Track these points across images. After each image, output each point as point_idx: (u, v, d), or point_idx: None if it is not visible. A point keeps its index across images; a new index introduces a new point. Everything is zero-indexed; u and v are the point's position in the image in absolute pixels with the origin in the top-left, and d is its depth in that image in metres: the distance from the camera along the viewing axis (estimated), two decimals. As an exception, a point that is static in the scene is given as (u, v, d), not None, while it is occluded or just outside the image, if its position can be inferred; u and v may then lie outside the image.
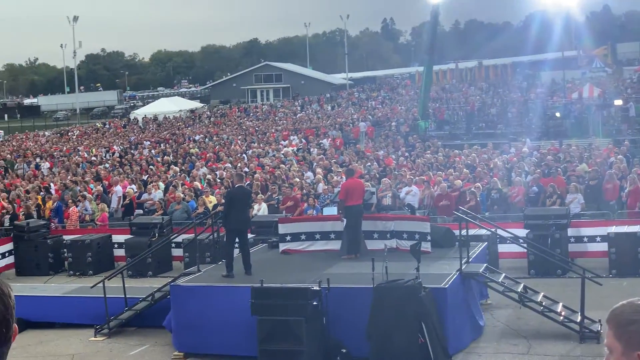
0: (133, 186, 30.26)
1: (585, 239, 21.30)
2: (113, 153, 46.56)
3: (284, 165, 33.14)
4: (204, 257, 19.72)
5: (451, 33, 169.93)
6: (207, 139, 51.49)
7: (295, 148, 42.51)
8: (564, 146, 36.07)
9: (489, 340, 15.49)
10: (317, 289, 14.30)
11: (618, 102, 48.53)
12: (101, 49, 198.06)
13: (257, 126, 60.52)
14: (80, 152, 47.90)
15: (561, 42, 73.85)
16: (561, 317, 15.37)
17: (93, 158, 44.14)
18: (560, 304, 15.79)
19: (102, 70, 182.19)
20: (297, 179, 28.45)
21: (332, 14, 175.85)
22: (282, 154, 39.02)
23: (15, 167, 42.21)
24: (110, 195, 29.74)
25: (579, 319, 15.13)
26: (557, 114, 47.16)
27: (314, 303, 14.03)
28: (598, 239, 21.00)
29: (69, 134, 67.14)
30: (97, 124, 79.48)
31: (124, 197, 28.88)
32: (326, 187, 26.66)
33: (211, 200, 26.05)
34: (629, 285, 18.76)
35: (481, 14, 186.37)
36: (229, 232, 17.04)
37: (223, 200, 22.32)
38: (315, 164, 33.95)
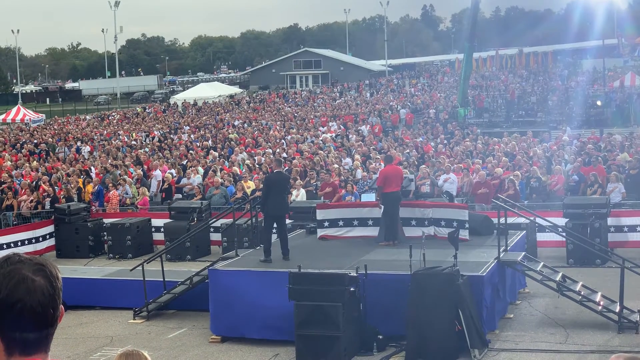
0: (172, 171, 30.46)
1: (626, 229, 21.12)
2: (153, 137, 46.86)
3: (322, 152, 33.15)
4: (242, 241, 19.87)
5: (492, 20, 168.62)
6: (246, 125, 51.66)
7: (333, 134, 42.50)
8: (605, 135, 35.70)
9: (526, 329, 15.45)
10: (355, 275, 14.35)
11: (661, 90, 47.93)
12: (142, 34, 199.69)
13: (296, 112, 60.57)
14: (120, 136, 48.29)
15: (603, 30, 72.91)
16: (600, 307, 15.27)
17: (133, 142, 44.47)
18: (599, 294, 15.69)
19: (143, 55, 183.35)
20: (336, 165, 28.46)
21: (372, 1, 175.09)
22: (321, 140, 39.04)
23: (57, 150, 42.67)
24: (149, 179, 30.00)
25: (617, 308, 15.03)
26: (598, 103, 46.70)
27: (351, 289, 14.07)
28: (639, 228, 20.82)
29: (110, 118, 67.69)
30: (137, 108, 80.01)
31: (163, 181, 29.10)
32: (365, 173, 26.65)
33: (249, 185, 26.15)
34: (669, 276, 18.55)
35: (522, 1, 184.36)
36: (267, 217, 17.12)
37: (261, 186, 22.44)
38: (353, 150, 33.94)
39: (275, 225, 17.09)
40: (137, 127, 56.02)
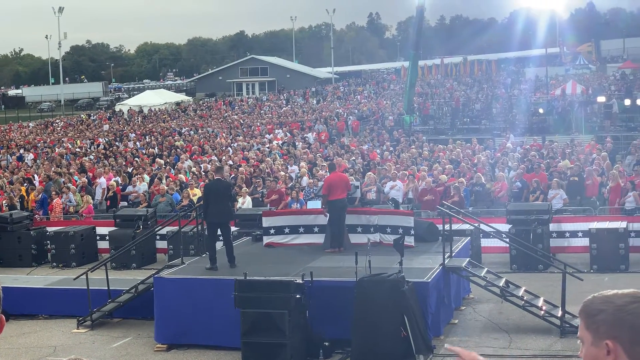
0: (117, 178, 30.22)
1: (567, 234, 21.49)
2: (98, 145, 46.41)
3: (269, 159, 33.16)
4: (188, 249, 19.78)
5: (437, 28, 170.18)
6: (192, 132, 51.42)
7: (280, 142, 42.52)
8: (547, 142, 36.25)
9: (471, 334, 15.61)
10: (301, 282, 14.37)
11: (601, 98, 48.75)
12: (86, 40, 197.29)
13: (243, 119, 60.46)
14: (64, 144, 47.74)
15: (545, 39, 74.11)
16: (542, 312, 15.49)
17: (77, 150, 43.99)
18: (542, 299, 15.92)
19: (88, 61, 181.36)
20: (282, 173, 28.49)
21: (319, 8, 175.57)
22: (267, 147, 39.04)
23: (-1, 158, 42.05)
24: (94, 187, 29.72)
25: (559, 313, 15.26)
26: (540, 110, 47.37)
27: (297, 296, 14.09)
28: (580, 234, 21.20)
29: (54, 125, 66.88)
30: (81, 115, 79.18)
31: (108, 189, 28.84)
32: (311, 180, 26.72)
33: (195, 193, 26.04)
34: (610, 281, 18.90)
35: (466, 10, 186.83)
36: (209, 225, 17.09)
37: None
38: (300, 157, 33.99)
39: (220, 232, 17.06)
40: (81, 134, 55.43)
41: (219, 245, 17.41)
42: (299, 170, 29.94)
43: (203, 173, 30.21)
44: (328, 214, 18.00)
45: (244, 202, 24.66)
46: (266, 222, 19.01)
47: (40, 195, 27.99)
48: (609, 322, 2.81)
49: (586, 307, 2.90)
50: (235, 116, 64.98)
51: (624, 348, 2.79)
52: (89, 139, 50.68)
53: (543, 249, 20.00)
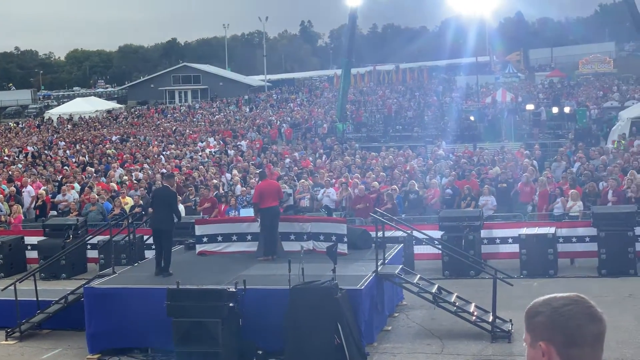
0: (46, 187, 29.70)
1: (498, 241, 21.77)
2: (26, 153, 45.61)
3: (202, 167, 32.98)
4: (120, 258, 19.51)
5: (369, 36, 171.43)
6: (124, 140, 50.88)
7: (212, 150, 42.32)
8: (478, 149, 36.74)
9: (404, 341, 15.70)
10: (233, 290, 14.30)
11: (530, 106, 49.63)
12: (15, 47, 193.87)
13: (175, 127, 60.05)
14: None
15: (476, 47, 75.20)
16: (474, 317, 15.67)
17: (5, 158, 43.15)
18: (473, 304, 16.10)
19: (16, 68, 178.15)
20: (215, 181, 28.35)
21: (251, 16, 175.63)
22: (200, 155, 38.84)
23: None
24: (22, 196, 29.15)
25: (490, 318, 15.45)
26: (472, 118, 48.02)
27: (230, 305, 14.02)
28: (510, 240, 21.50)
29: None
30: (10, 123, 77.75)
31: (37, 198, 28.33)
32: (244, 188, 26.62)
33: (127, 201, 25.76)
34: (539, 286, 19.22)
35: (398, 18, 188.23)
36: (152, 231, 17.04)
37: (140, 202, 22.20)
38: (232, 165, 33.86)
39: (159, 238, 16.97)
40: (9, 142, 54.43)
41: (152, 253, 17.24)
42: (232, 178, 29.82)
43: (135, 181, 29.88)
44: (259, 222, 17.98)
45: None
46: (199, 230, 18.88)
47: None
48: (544, 324, 2.86)
49: (528, 309, 2.95)
50: (168, 124, 64.54)
51: (557, 350, 2.83)
52: (17, 147, 49.76)
53: (474, 255, 20.24)
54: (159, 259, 16.84)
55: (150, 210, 18.66)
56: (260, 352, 14.38)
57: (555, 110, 48.56)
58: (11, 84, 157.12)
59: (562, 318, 2.85)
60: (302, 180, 26.83)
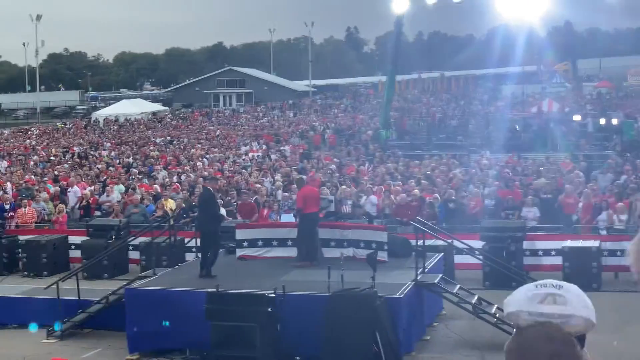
0: (91, 187, 29.99)
1: (540, 252, 21.52)
2: (73, 154, 46.13)
3: (245, 171, 33.10)
4: (161, 260, 19.64)
5: (415, 44, 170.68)
6: (168, 142, 51.26)
7: (255, 154, 42.44)
8: (522, 159, 36.40)
9: (442, 351, 15.59)
10: (272, 295, 14.31)
11: (577, 117, 49.11)
12: (64, 48, 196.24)
13: (219, 131, 60.38)
14: (38, 152, 47.42)
15: (523, 56, 74.63)
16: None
17: (52, 158, 43.68)
18: (514, 316, 15.89)
19: (65, 70, 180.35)
20: (258, 185, 28.38)
21: (297, 21, 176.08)
22: (242, 159, 38.99)
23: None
24: (67, 196, 29.46)
25: (531, 331, 15.25)
26: (517, 127, 47.61)
27: (269, 310, 14.03)
28: (553, 252, 21.23)
29: (29, 132, 66.47)
30: (57, 123, 78.74)
31: (82, 198, 28.60)
32: (286, 194, 26.64)
33: (169, 204, 25.91)
34: (582, 299, 18.94)
35: (445, 26, 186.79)
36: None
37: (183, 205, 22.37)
38: (275, 170, 33.92)
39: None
40: (56, 142, 55.10)
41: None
42: (274, 183, 29.85)
43: (177, 184, 30.03)
44: (299, 227, 17.99)
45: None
46: (240, 234, 18.94)
47: (9, 204, 27.63)
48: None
49: None
50: (212, 127, 64.90)
51: None
52: (64, 148, 50.36)
53: (516, 266, 20.04)
54: (203, 262, 16.90)
55: (190, 213, 18.85)
56: (297, 358, 14.38)
57: (602, 121, 47.96)
58: (60, 85, 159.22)
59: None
60: (344, 187, 26.77)
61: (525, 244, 21.22)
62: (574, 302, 2.76)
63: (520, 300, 2.82)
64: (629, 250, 2.86)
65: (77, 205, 28.59)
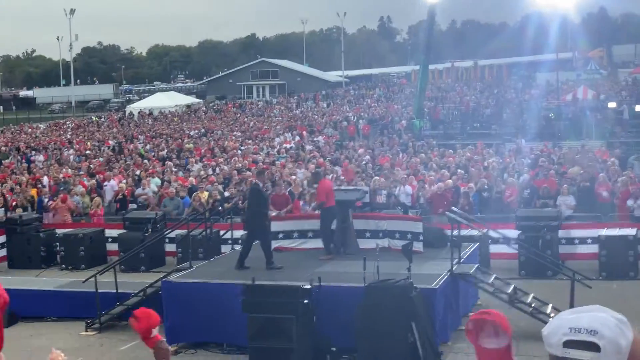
0: (126, 180, 30.22)
1: (576, 241, 21.40)
2: (108, 147, 46.51)
3: (278, 163, 33.17)
4: (197, 253, 19.79)
5: (448, 32, 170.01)
6: (202, 135, 51.49)
7: (289, 145, 42.51)
8: (557, 148, 36.17)
9: (479, 341, 15.55)
10: (308, 287, 14.36)
11: (612, 104, 48.64)
12: (98, 42, 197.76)
13: (253, 122, 60.55)
14: (74, 145, 47.86)
15: (557, 43, 73.96)
16: (550, 319, 15.44)
17: (87, 152, 44.07)
18: (550, 306, 15.88)
19: (99, 63, 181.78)
20: (294, 177, 28.42)
21: (330, 11, 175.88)
22: (276, 151, 39.08)
23: (10, 159, 42.15)
24: (103, 189, 29.73)
25: (568, 320, 15.19)
26: (551, 115, 47.26)
27: (305, 301, 14.08)
28: (589, 241, 21.12)
29: (64, 126, 67.09)
30: (92, 117, 79.38)
31: (119, 192, 28.82)
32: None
33: (205, 196, 26.06)
34: (619, 288, 18.85)
35: (478, 14, 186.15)
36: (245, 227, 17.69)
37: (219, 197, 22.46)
38: (308, 161, 33.95)
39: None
40: (92, 136, 55.57)
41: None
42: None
43: (213, 176, 30.15)
44: (322, 221, 17.97)
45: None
46: (275, 226, 18.98)
47: (47, 198, 27.95)
48: None
49: None
50: (246, 119, 65.09)
51: None
52: (99, 141, 50.77)
53: (552, 255, 19.94)
54: (243, 255, 16.99)
55: (226, 205, 18.91)
56: (334, 349, 14.42)
57: (638, 108, 47.47)
58: (95, 78, 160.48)
59: None
60: (376, 177, 26.75)
61: (561, 233, 21.13)
62: (608, 350, 2.78)
63: (553, 345, 2.87)
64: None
65: (114, 199, 28.82)
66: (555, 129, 45.14)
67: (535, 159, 31.25)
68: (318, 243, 18.63)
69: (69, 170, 34.45)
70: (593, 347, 2.78)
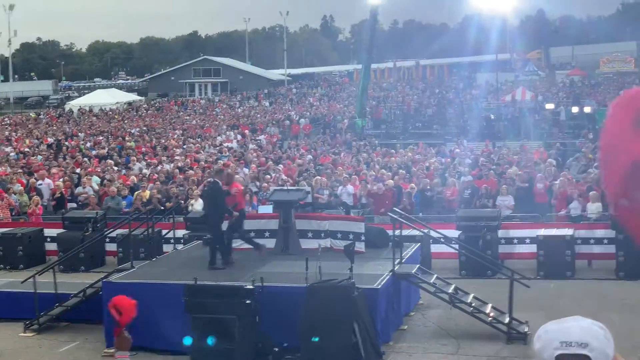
0: (63, 178, 29.76)
1: (515, 241, 21.71)
2: (47, 144, 45.83)
3: (220, 162, 33.04)
4: (138, 253, 19.62)
5: (390, 32, 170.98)
6: (143, 133, 51.04)
7: (231, 144, 42.38)
8: (497, 148, 36.64)
9: (420, 340, 15.73)
10: (251, 287, 14.36)
11: (549, 105, 49.45)
12: (37, 37, 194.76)
13: (194, 120, 60.22)
14: (12, 143, 47.08)
15: (496, 44, 74.95)
16: (490, 318, 15.68)
17: (27, 149, 43.37)
18: (490, 305, 16.10)
19: (38, 59, 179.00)
20: (237, 176, 28.30)
21: (272, 10, 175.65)
22: (217, 150, 38.94)
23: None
24: (40, 188, 29.23)
25: (507, 320, 15.45)
26: (491, 116, 47.88)
27: (247, 301, 14.08)
28: (527, 241, 21.44)
29: (2, 123, 65.97)
30: (30, 114, 78.15)
31: (55, 190, 28.39)
32: (265, 184, 26.62)
33: (146, 195, 25.86)
34: (556, 287, 19.21)
35: (419, 14, 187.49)
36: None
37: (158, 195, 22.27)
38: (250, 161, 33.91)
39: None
40: (30, 133, 54.72)
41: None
42: (249, 173, 29.83)
43: (155, 175, 29.93)
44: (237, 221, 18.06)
45: (195, 205, 24.51)
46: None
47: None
48: None
49: None
50: (188, 117, 64.71)
51: None
52: (38, 139, 49.99)
53: (492, 255, 20.22)
54: (212, 254, 17.00)
55: (168, 204, 18.76)
56: (276, 349, 14.44)
57: (575, 109, 48.33)
58: (33, 74, 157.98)
59: None
60: (317, 177, 26.81)
61: (501, 233, 21.42)
62: None
63: (544, 356, 2.93)
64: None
65: (50, 198, 28.31)
66: (495, 130, 45.74)
67: (475, 159, 31.64)
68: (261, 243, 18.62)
69: (7, 168, 33.87)
70: (584, 359, 2.87)
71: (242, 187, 19.03)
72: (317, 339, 13.78)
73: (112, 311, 6.86)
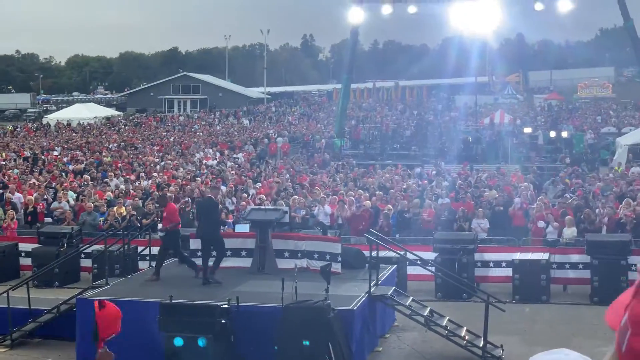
0: (36, 194, 29.44)
1: (491, 264, 21.79)
2: (23, 158, 45.50)
3: (198, 179, 32.96)
4: (114, 269, 19.52)
5: (370, 52, 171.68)
6: (121, 148, 50.81)
7: (209, 161, 42.30)
8: (474, 171, 36.79)
9: (394, 362, 15.73)
10: (226, 306, 14.32)
11: (527, 129, 49.74)
12: (15, 50, 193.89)
13: (173, 136, 60.07)
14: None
15: (476, 67, 75.43)
16: (465, 342, 15.71)
17: (3, 162, 43.02)
18: (465, 329, 16.13)
19: (16, 72, 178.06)
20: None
21: (253, 28, 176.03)
22: (196, 167, 38.84)
23: None
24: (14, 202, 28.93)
25: (481, 343, 15.48)
26: (469, 139, 48.06)
27: (222, 321, 14.04)
28: (503, 264, 21.53)
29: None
30: (7, 126, 77.66)
31: (27, 204, 28.07)
32: (243, 203, 26.59)
33: (122, 211, 25.72)
34: (531, 312, 19.27)
35: (400, 35, 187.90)
36: (201, 241, 17.57)
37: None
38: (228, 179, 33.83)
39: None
40: (6, 146, 54.32)
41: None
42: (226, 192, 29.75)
43: (132, 191, 29.80)
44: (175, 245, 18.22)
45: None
46: (193, 244, 18.87)
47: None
48: None
49: None
50: (166, 133, 64.53)
51: None
52: (14, 152, 49.60)
53: (468, 278, 20.27)
54: (205, 269, 17.14)
55: (144, 221, 18.73)
56: (250, 369, 14.39)
57: (552, 134, 48.64)
58: (11, 87, 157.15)
59: None
60: (295, 197, 26.79)
61: (477, 256, 21.49)
62: None
63: None
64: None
65: (23, 212, 27.97)
66: (473, 152, 45.91)
67: (453, 181, 31.73)
68: (236, 262, 18.61)
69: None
70: None
71: (176, 207, 19.20)
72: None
73: (99, 321, 6.85)
